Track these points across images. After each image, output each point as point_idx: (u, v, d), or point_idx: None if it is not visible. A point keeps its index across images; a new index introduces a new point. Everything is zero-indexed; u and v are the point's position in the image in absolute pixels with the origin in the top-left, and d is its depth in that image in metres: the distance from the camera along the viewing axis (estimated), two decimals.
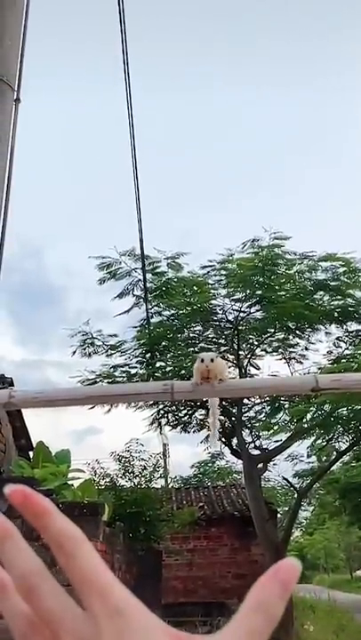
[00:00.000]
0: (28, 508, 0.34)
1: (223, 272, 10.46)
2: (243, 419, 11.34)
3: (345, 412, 9.90)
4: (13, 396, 1.32)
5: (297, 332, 10.76)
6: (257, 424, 11.56)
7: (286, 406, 10.56)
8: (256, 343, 11.14)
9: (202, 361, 1.48)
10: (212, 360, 1.48)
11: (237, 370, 10.93)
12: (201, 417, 11.91)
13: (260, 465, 11.41)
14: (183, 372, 10.04)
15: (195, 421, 11.95)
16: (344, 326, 10.68)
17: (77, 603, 0.34)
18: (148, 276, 10.28)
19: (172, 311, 10.82)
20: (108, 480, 10.69)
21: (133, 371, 11.03)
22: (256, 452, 11.57)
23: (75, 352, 10.98)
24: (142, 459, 11.50)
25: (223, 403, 10.96)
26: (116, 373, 10.95)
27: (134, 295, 10.69)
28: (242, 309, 10.56)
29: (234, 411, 11.25)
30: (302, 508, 15.64)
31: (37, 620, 0.34)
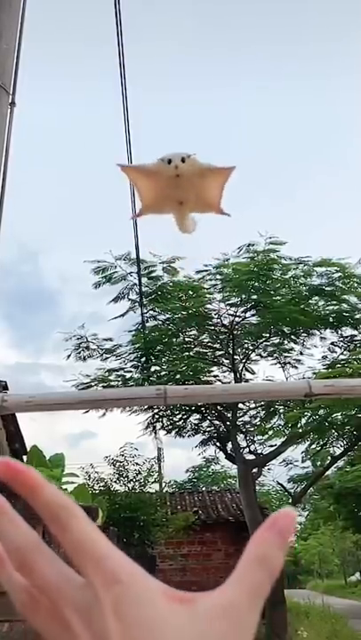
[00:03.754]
0: (17, 481, 0.33)
1: (219, 277, 10.48)
2: (237, 423, 11.34)
3: (339, 417, 9.92)
4: (6, 400, 1.31)
5: (292, 336, 10.78)
6: (252, 429, 11.56)
7: (281, 411, 10.58)
8: (251, 348, 11.15)
9: (168, 162, 0.99)
10: (183, 160, 0.99)
11: (232, 374, 10.94)
12: (196, 421, 11.91)
13: (254, 470, 11.41)
14: (178, 376, 10.04)
15: (189, 426, 11.95)
16: (339, 331, 10.71)
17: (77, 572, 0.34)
18: (144, 280, 10.28)
19: (168, 315, 10.82)
20: (102, 484, 10.67)
21: (128, 375, 11.03)
22: (251, 457, 11.57)
23: (70, 356, 10.98)
24: (137, 463, 11.49)
25: (218, 407, 10.96)
26: (111, 377, 10.94)
27: (129, 299, 10.70)
28: (237, 314, 10.58)
29: (229, 415, 11.25)
30: (297, 512, 15.61)
31: (36, 591, 0.34)
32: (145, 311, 10.56)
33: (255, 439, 11.64)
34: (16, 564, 0.34)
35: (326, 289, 10.18)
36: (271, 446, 11.33)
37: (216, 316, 10.71)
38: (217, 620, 0.32)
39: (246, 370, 11.22)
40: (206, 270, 10.51)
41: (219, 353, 11.21)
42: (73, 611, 0.32)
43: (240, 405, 10.87)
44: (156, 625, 0.31)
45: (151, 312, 10.85)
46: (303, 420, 9.91)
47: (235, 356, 10.92)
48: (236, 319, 10.62)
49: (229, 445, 11.71)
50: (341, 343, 10.93)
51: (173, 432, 12.05)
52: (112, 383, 10.74)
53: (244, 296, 10.25)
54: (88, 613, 0.32)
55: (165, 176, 1.02)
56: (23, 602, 0.35)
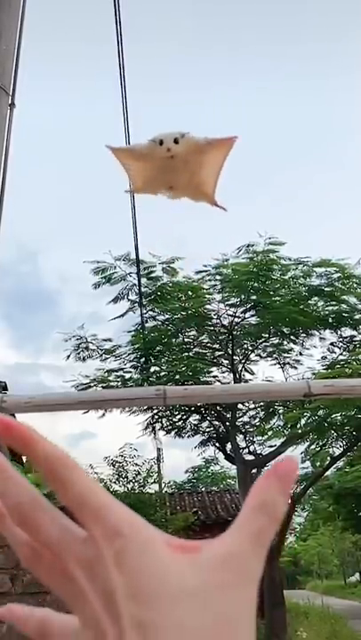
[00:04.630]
0: (12, 437, 0.33)
1: (218, 277, 10.48)
2: (237, 424, 11.34)
3: (339, 418, 9.92)
4: (5, 401, 1.32)
5: (291, 337, 10.79)
6: (251, 429, 11.56)
7: (280, 411, 10.58)
8: (250, 348, 11.15)
9: (160, 144, 0.90)
10: (176, 141, 0.89)
11: (232, 375, 10.94)
12: (195, 422, 11.91)
13: (254, 470, 11.40)
14: (178, 376, 10.04)
15: (189, 426, 11.95)
16: (338, 332, 10.71)
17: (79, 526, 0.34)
18: (143, 280, 10.29)
19: (167, 316, 10.83)
20: (101, 485, 10.65)
21: (128, 375, 11.03)
22: (250, 458, 11.57)
23: (69, 356, 10.98)
24: (136, 464, 11.48)
25: (217, 408, 10.96)
26: (111, 378, 10.94)
27: (129, 300, 10.71)
28: (236, 314, 10.58)
29: (228, 415, 11.25)
30: (296, 513, 15.63)
31: (38, 545, 0.34)
32: (144, 312, 10.57)
33: (255, 440, 11.64)
34: (17, 520, 0.33)
35: (326, 289, 10.19)
36: (271, 447, 11.33)
37: (215, 317, 10.71)
38: (221, 569, 0.32)
39: (246, 370, 11.22)
40: (206, 271, 10.52)
41: (218, 353, 11.21)
42: (76, 564, 0.32)
43: (239, 406, 10.87)
44: (161, 576, 0.31)
45: (151, 312, 10.85)
46: (303, 421, 9.92)
47: (234, 357, 10.92)
48: (236, 319, 10.62)
49: (229, 446, 11.71)
50: (341, 344, 10.93)
51: (173, 432, 12.05)
52: (111, 384, 10.74)
53: (243, 296, 10.25)
54: (91, 567, 0.32)
55: (158, 158, 0.93)
56: (26, 556, 0.35)
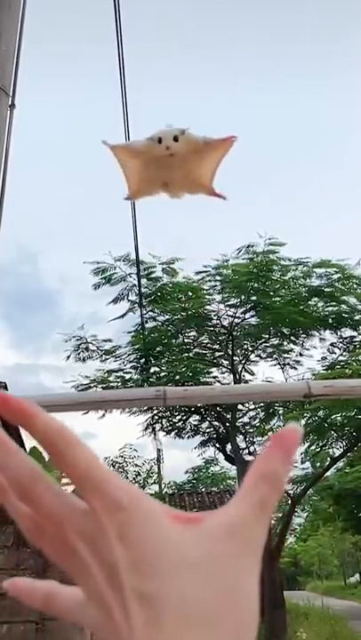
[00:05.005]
0: (10, 411, 0.33)
1: (218, 278, 10.48)
2: (237, 424, 11.34)
3: (339, 419, 9.92)
4: None
5: (291, 337, 10.79)
6: (251, 430, 11.56)
7: (280, 412, 10.57)
8: (250, 349, 11.15)
9: (159, 142, 0.87)
10: (175, 138, 0.85)
11: (232, 375, 10.94)
12: (195, 422, 11.91)
13: None
14: (178, 377, 10.04)
15: (189, 427, 11.95)
16: (338, 332, 10.71)
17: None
18: (143, 281, 10.29)
19: (167, 316, 10.83)
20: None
21: (128, 376, 11.03)
22: (250, 458, 11.56)
23: (69, 357, 10.98)
24: (136, 464, 11.49)
25: (217, 408, 10.96)
26: (111, 378, 10.94)
27: (129, 300, 10.71)
28: (236, 315, 10.58)
29: (228, 416, 11.24)
30: (296, 514, 15.62)
31: (40, 519, 0.34)
32: (144, 312, 10.57)
33: (255, 440, 11.64)
34: (17, 493, 0.34)
35: (326, 290, 10.19)
36: None
37: (215, 317, 10.71)
38: (224, 539, 0.32)
39: (246, 371, 11.22)
40: (206, 271, 10.53)
41: (218, 354, 11.21)
42: (78, 537, 0.32)
43: (240, 406, 10.87)
44: (163, 548, 0.31)
45: (151, 313, 10.85)
46: (303, 422, 9.91)
47: (234, 357, 10.91)
48: (236, 320, 10.62)
49: (229, 446, 11.71)
50: (341, 344, 10.93)
51: (173, 433, 12.05)
52: (111, 384, 10.74)
53: (243, 297, 10.25)
54: (93, 540, 0.32)
55: (156, 156, 0.91)
56: (29, 529, 0.35)
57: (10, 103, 2.52)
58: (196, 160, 0.91)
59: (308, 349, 11.04)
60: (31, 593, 0.38)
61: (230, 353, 10.85)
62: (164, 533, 0.32)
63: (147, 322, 10.76)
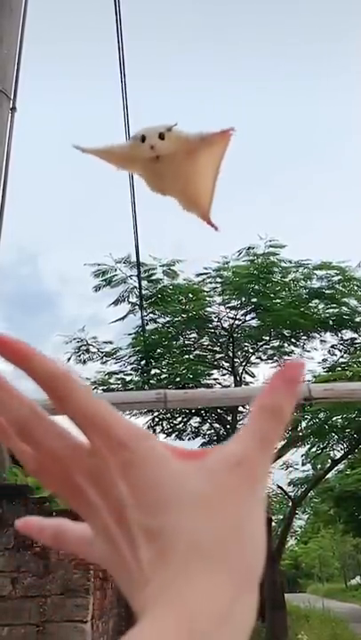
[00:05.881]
0: (9, 353, 0.33)
1: (219, 279, 10.49)
2: (238, 426, 11.33)
3: (339, 421, 9.91)
4: None
5: (292, 339, 10.78)
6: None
7: None
8: (251, 351, 11.15)
9: (142, 140, 0.73)
10: (161, 136, 0.72)
11: (232, 377, 10.93)
12: (196, 424, 11.90)
13: None
14: (178, 379, 10.04)
15: (190, 429, 11.94)
16: (339, 334, 10.71)
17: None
18: (144, 283, 10.29)
19: (168, 318, 10.83)
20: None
21: (128, 378, 11.02)
22: None
23: (70, 359, 10.97)
24: None
25: (218, 410, 10.96)
26: (111, 380, 10.94)
27: (130, 302, 10.71)
28: (237, 317, 10.58)
29: (229, 418, 11.24)
30: (297, 516, 15.62)
31: (44, 458, 0.34)
32: (145, 314, 10.57)
33: None
34: (19, 433, 0.34)
35: (326, 292, 10.19)
36: None
37: (216, 319, 10.71)
38: (228, 472, 0.32)
39: (246, 373, 11.21)
40: (206, 273, 10.53)
41: (219, 356, 11.20)
42: (83, 477, 0.33)
43: (240, 408, 10.86)
44: (167, 483, 0.31)
45: (151, 315, 10.86)
46: (303, 424, 9.91)
47: (235, 359, 10.91)
48: (236, 322, 10.62)
49: None
50: (341, 346, 10.93)
51: (173, 435, 12.04)
52: (112, 386, 10.74)
53: (244, 299, 10.26)
54: (97, 478, 0.32)
55: (141, 158, 0.76)
56: (34, 470, 0.35)
57: (11, 106, 2.52)
58: (189, 164, 0.76)
59: (308, 351, 11.05)
60: (41, 530, 0.39)
61: (231, 355, 10.85)
62: (168, 469, 0.32)
63: (147, 324, 10.77)
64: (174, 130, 0.73)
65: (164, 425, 11.87)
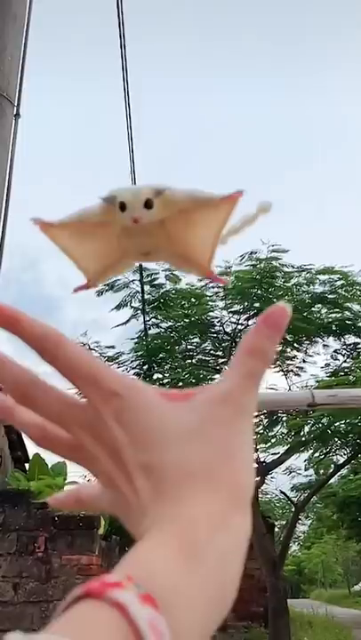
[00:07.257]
0: None
1: (221, 284, 10.49)
2: None
3: (343, 426, 9.89)
4: None
5: (295, 344, 10.77)
6: (254, 437, 11.53)
7: (284, 419, 10.55)
8: None
9: (122, 209, 0.55)
10: (148, 204, 0.54)
11: None
12: None
13: (257, 478, 11.36)
14: (181, 384, 10.03)
15: None
16: (342, 339, 10.70)
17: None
18: (146, 287, 10.30)
19: (170, 323, 10.83)
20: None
21: None
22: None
23: None
24: None
25: None
26: None
27: (132, 307, 10.71)
28: (240, 322, 10.58)
29: None
30: (300, 521, 15.56)
31: (46, 422, 0.36)
32: (147, 319, 10.58)
33: (258, 447, 11.60)
34: (18, 399, 0.36)
35: (329, 297, 10.18)
36: (274, 454, 11.29)
37: (219, 324, 10.72)
38: (216, 406, 0.34)
39: None
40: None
41: (221, 361, 11.19)
42: (79, 429, 0.35)
43: None
44: (158, 421, 0.34)
45: (153, 320, 10.86)
46: (306, 429, 9.89)
47: None
48: (239, 327, 10.62)
49: None
50: (344, 351, 10.91)
51: None
52: None
53: (246, 304, 10.25)
54: (93, 427, 0.34)
55: (118, 225, 0.58)
56: (37, 437, 0.37)
57: (15, 112, 2.54)
58: (183, 228, 0.60)
59: (311, 356, 11.02)
60: (66, 500, 0.43)
61: None
62: (158, 410, 0.34)
63: (150, 328, 10.78)
64: (165, 194, 0.54)
65: None
